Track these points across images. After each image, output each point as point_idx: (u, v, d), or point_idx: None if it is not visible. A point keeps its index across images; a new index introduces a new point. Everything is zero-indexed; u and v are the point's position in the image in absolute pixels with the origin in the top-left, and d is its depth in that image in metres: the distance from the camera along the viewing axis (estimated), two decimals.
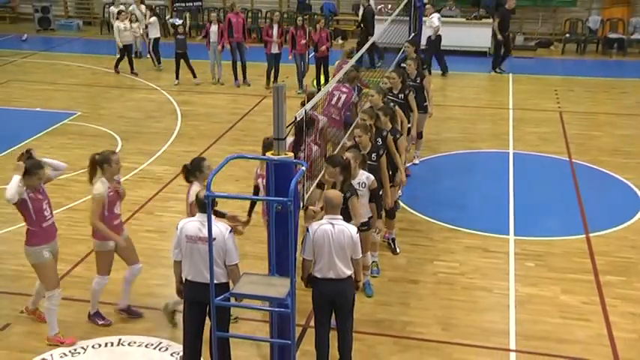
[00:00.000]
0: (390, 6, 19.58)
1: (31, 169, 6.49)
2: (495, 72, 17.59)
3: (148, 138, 12.83)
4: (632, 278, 8.19)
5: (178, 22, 20.86)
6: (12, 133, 12.85)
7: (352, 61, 9.81)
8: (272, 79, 15.87)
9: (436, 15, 16.95)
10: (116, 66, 17.43)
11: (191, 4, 21.83)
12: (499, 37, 17.26)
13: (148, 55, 18.10)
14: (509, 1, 17.41)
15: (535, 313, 7.50)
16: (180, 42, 16.09)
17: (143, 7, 18.70)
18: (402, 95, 9.67)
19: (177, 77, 16.39)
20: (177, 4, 22.16)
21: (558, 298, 7.78)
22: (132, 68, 17.32)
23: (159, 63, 17.79)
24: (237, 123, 13.72)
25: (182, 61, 16.14)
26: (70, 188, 10.56)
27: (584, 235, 9.20)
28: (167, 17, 21.66)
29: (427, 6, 16.67)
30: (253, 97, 15.39)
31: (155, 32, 17.64)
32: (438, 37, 16.83)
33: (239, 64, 16.06)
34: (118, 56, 17.48)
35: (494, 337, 7.12)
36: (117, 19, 17.46)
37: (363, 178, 7.18)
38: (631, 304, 7.67)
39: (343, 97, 9.38)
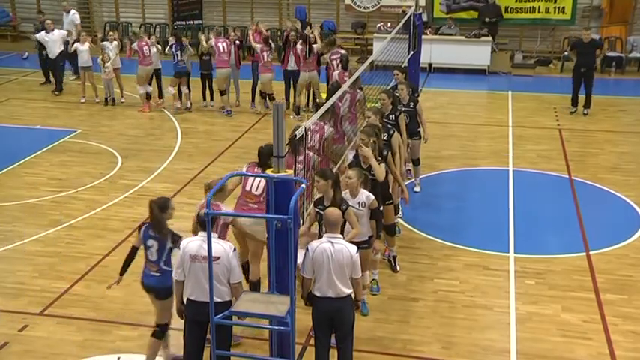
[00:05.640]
0: (389, 24, 19.69)
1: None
2: (571, 111, 15.71)
3: (148, 155, 12.83)
4: (633, 296, 8.17)
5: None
6: (12, 151, 12.87)
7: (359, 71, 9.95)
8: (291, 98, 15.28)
9: (74, 11, 17.23)
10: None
11: (191, 22, 21.85)
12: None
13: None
14: (585, 34, 15.20)
15: (536, 331, 7.47)
16: (206, 63, 15.56)
17: (115, 42, 16.07)
18: (393, 117, 9.59)
19: (204, 98, 15.88)
20: (177, 23, 22.23)
21: (559, 316, 7.76)
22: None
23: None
24: (237, 140, 13.73)
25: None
26: (69, 205, 10.56)
27: (584, 253, 9.19)
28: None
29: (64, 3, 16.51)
30: (254, 114, 15.40)
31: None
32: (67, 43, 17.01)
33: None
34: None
35: (495, 355, 7.09)
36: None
37: (363, 197, 7.17)
38: (632, 322, 7.64)
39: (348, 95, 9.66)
